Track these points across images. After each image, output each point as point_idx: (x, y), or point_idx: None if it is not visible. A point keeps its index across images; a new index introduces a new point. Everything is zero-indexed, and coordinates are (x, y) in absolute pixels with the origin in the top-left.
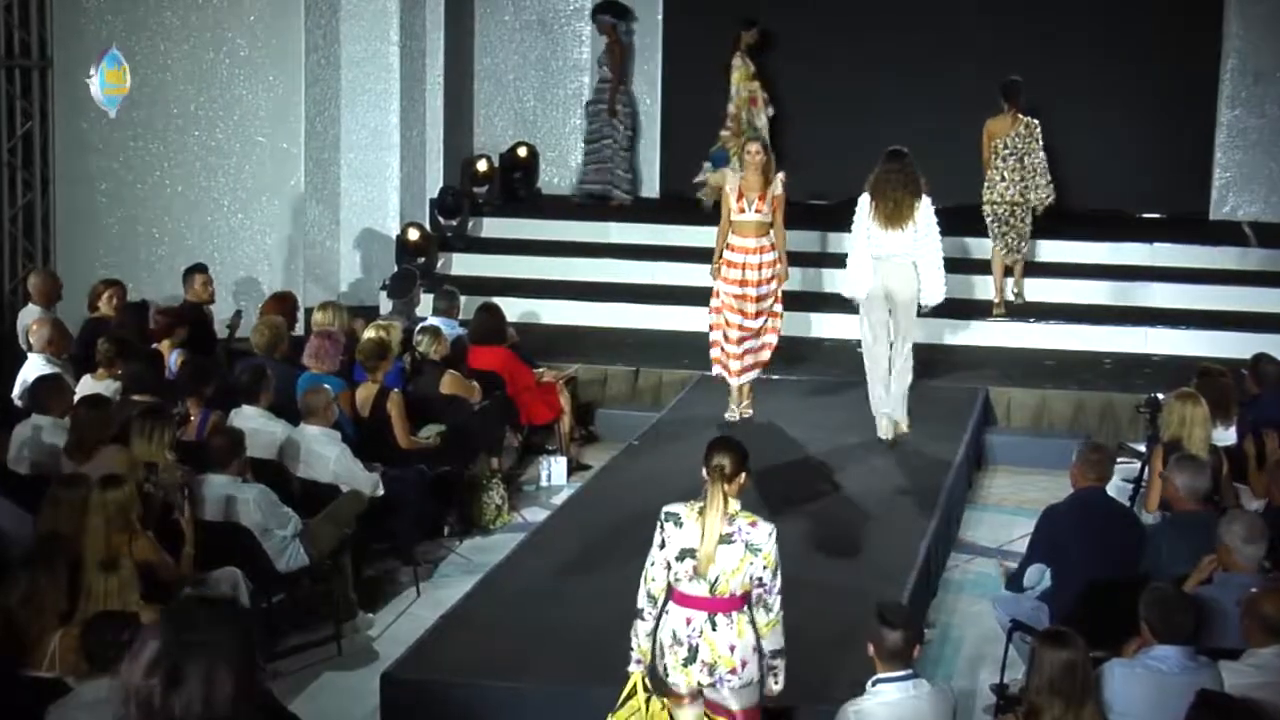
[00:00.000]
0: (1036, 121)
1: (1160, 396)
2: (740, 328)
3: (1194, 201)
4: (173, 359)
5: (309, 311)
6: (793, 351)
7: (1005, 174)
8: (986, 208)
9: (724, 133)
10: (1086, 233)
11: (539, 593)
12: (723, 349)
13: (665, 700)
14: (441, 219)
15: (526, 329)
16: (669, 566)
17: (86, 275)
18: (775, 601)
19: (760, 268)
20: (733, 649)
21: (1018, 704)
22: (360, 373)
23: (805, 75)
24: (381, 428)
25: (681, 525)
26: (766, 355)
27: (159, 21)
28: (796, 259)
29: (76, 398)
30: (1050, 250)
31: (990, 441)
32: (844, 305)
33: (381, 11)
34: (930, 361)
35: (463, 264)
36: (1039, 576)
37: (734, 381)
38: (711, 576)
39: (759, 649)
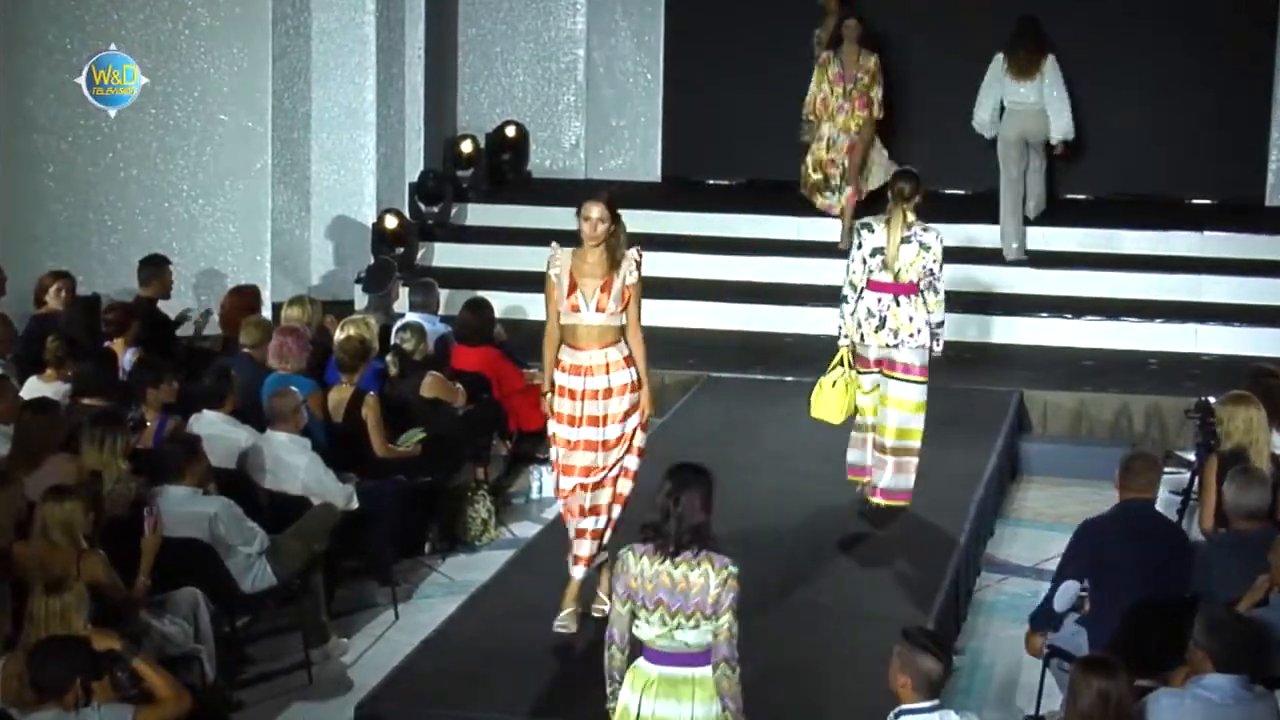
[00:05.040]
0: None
1: (1212, 400)
2: (584, 488)
3: (1248, 185)
4: (127, 359)
5: (276, 307)
6: (802, 351)
7: None
8: None
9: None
10: (1130, 220)
11: (528, 615)
12: (573, 524)
13: (857, 369)
14: (422, 205)
15: (516, 326)
16: (864, 262)
17: (32, 267)
18: (940, 287)
19: (608, 395)
20: (910, 319)
21: None
22: (333, 373)
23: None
24: (356, 434)
25: (873, 231)
26: (615, 515)
27: None
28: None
29: (22, 401)
30: (1090, 239)
31: (1024, 450)
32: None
33: None
34: (959, 361)
35: (445, 254)
36: (1072, 596)
37: (578, 574)
38: (896, 268)
39: (929, 323)
